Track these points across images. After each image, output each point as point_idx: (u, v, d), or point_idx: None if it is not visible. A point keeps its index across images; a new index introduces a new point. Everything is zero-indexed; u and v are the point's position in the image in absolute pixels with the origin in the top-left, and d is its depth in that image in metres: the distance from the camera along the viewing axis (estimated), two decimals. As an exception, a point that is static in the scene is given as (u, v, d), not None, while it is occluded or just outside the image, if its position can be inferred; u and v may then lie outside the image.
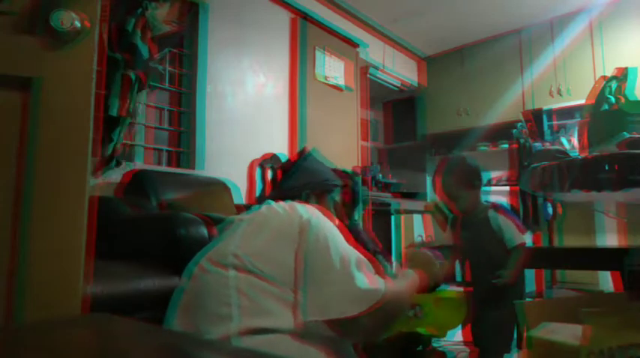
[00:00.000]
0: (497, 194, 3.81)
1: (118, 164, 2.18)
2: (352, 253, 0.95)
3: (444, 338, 2.06)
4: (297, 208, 0.98)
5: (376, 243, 1.53)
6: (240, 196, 2.77)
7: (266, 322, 0.80)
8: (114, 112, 2.05)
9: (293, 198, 1.09)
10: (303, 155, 1.27)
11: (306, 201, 1.14)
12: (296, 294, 0.86)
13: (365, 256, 0.97)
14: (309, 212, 0.97)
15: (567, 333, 1.03)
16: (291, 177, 1.20)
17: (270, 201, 1.06)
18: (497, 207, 1.84)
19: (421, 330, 1.24)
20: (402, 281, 1.05)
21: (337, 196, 1.26)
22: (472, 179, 1.87)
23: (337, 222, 1.04)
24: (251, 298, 0.83)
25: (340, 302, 0.87)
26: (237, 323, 0.80)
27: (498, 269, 1.69)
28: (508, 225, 1.77)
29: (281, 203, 1.03)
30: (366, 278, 0.91)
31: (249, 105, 3.07)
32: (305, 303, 0.86)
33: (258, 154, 2.99)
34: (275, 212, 0.98)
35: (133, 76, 2.12)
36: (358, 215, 1.47)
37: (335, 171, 1.32)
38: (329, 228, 0.97)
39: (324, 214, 1.01)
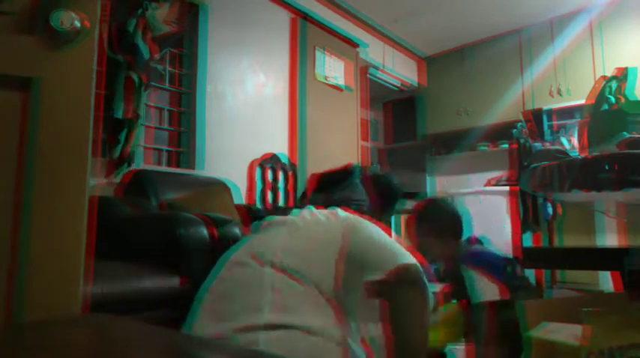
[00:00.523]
0: (498, 194, 3.81)
1: (130, 166, 2.19)
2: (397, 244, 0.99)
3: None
4: (339, 214, 1.03)
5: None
6: (240, 196, 2.77)
7: (290, 318, 0.83)
8: (119, 115, 2.06)
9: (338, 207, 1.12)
10: (352, 170, 1.30)
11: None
12: (335, 299, 0.89)
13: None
14: (350, 216, 1.02)
15: (567, 333, 1.03)
16: (342, 189, 1.23)
17: (310, 207, 1.10)
18: (470, 260, 1.54)
19: None
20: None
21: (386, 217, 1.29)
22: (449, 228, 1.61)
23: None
24: (282, 295, 0.87)
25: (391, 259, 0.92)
26: (265, 316, 0.83)
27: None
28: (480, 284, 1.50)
29: (323, 210, 1.06)
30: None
31: (249, 105, 3.07)
32: (355, 306, 0.90)
33: (258, 154, 2.99)
34: (317, 219, 1.02)
35: (136, 78, 2.12)
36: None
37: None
38: (372, 226, 1.01)
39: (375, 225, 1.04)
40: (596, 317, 0.96)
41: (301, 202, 1.26)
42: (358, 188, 1.25)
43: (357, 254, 0.93)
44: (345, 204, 1.16)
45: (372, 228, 1.00)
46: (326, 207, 1.09)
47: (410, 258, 0.95)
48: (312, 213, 1.05)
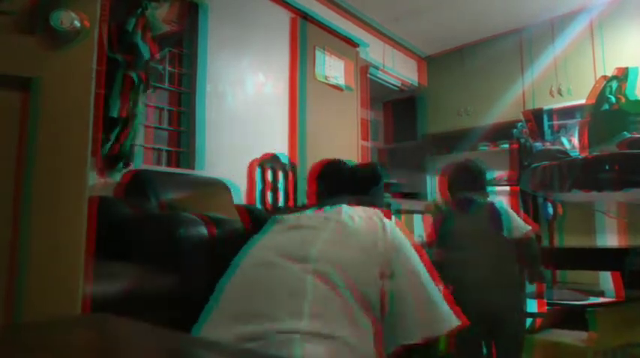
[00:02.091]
0: (498, 194, 3.81)
1: (126, 165, 2.19)
2: (426, 272, 0.96)
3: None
4: (381, 223, 0.97)
5: None
6: (240, 196, 2.77)
7: (332, 330, 0.80)
8: (114, 113, 2.05)
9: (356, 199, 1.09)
10: (377, 171, 1.27)
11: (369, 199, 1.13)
12: (376, 319, 0.86)
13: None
14: (392, 230, 0.97)
15: (572, 336, 1.02)
16: (371, 192, 1.19)
17: (344, 205, 1.04)
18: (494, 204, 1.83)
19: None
20: None
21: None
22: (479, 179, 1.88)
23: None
24: (324, 304, 0.83)
25: (446, 315, 0.89)
26: (308, 323, 0.80)
27: (501, 264, 1.64)
28: (513, 213, 1.74)
29: (362, 212, 1.01)
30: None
31: (249, 105, 3.06)
32: (393, 329, 0.87)
33: (258, 154, 2.99)
34: (359, 223, 0.97)
35: (135, 77, 2.12)
36: None
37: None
38: (409, 247, 0.97)
39: (402, 230, 1.01)
40: (600, 317, 0.95)
41: (319, 195, 1.19)
42: (380, 194, 1.24)
43: (399, 278, 0.90)
44: (372, 206, 1.11)
45: (409, 250, 0.96)
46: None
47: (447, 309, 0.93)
48: (353, 217, 0.98)
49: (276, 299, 0.85)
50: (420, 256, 0.98)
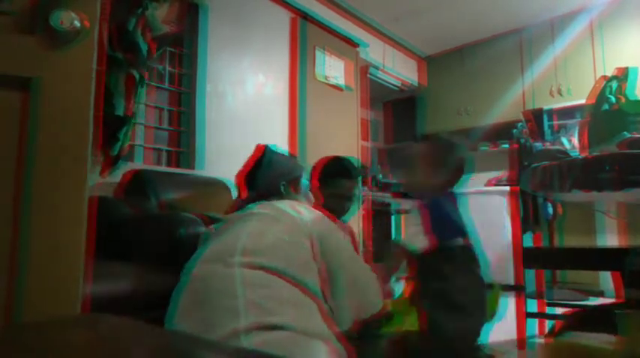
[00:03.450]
0: (498, 194, 3.81)
1: (126, 164, 2.18)
2: (355, 254, 1.02)
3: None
4: (300, 209, 1.01)
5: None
6: (241, 196, 2.76)
7: (273, 319, 0.79)
8: (120, 112, 2.05)
9: (273, 194, 1.14)
10: (262, 152, 1.32)
11: (285, 192, 1.21)
12: (320, 301, 0.88)
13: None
14: (316, 214, 1.01)
15: (598, 338, 1.01)
16: (262, 174, 1.24)
17: (261, 201, 1.08)
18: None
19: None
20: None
21: (306, 181, 1.36)
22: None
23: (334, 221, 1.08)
24: (259, 294, 0.83)
25: (373, 301, 0.96)
26: (246, 319, 0.79)
27: None
28: None
29: (279, 202, 1.05)
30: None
31: (249, 105, 3.06)
32: (342, 311, 0.91)
33: (258, 154, 2.98)
34: (279, 210, 1.00)
35: (137, 75, 2.12)
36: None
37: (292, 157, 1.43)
38: (334, 228, 1.01)
39: (325, 215, 1.04)
40: (631, 320, 0.94)
41: (242, 201, 1.23)
42: (275, 167, 1.29)
43: (329, 263, 0.93)
44: (274, 186, 1.20)
45: (336, 236, 1.01)
46: (265, 196, 1.10)
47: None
48: (271, 205, 1.02)
49: (216, 306, 0.84)
50: (351, 240, 1.05)
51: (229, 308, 0.82)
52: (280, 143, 3.23)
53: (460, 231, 1.11)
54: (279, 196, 1.18)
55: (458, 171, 1.22)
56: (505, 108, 4.26)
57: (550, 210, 3.39)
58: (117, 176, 2.19)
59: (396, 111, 5.37)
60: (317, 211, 1.05)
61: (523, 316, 1.93)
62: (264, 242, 0.92)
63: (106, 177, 2.14)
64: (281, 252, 0.90)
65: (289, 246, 0.91)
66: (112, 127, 2.09)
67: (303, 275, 0.88)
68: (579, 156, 1.57)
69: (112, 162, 2.14)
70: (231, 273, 0.86)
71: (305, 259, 0.91)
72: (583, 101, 2.22)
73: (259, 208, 1.04)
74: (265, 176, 1.23)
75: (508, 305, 1.95)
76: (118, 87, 2.06)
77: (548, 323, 2.03)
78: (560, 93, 3.96)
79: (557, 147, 3.25)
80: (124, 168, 2.21)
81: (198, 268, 0.95)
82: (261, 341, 0.76)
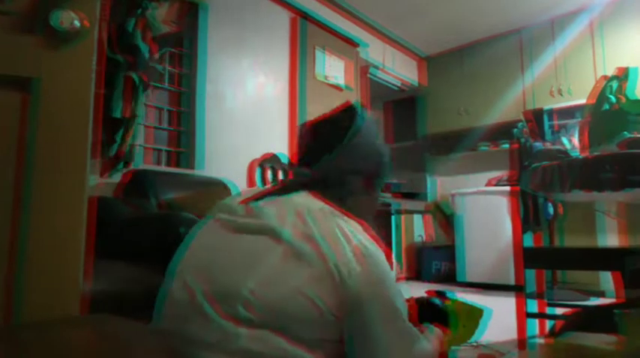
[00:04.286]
0: (498, 194, 3.81)
1: (126, 166, 2.19)
2: (402, 303, 0.72)
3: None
4: (347, 236, 0.68)
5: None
6: (241, 196, 2.76)
7: None
8: (117, 114, 2.05)
9: (329, 185, 0.77)
10: (347, 110, 0.86)
11: (351, 190, 0.81)
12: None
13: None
14: (361, 269, 0.66)
15: (597, 338, 1.01)
16: (329, 149, 0.81)
17: (302, 190, 0.74)
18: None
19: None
20: (430, 341, 0.82)
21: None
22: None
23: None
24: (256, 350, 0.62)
25: None
26: None
27: None
28: None
29: (322, 212, 0.70)
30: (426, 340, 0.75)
31: (249, 105, 3.06)
32: None
33: (258, 154, 2.99)
34: (312, 238, 0.66)
35: (136, 78, 2.12)
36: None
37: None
38: (383, 269, 0.69)
39: (373, 240, 0.71)
40: (629, 320, 0.94)
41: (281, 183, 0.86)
42: (359, 149, 0.85)
43: (362, 304, 0.66)
44: (340, 181, 0.79)
45: (380, 273, 0.68)
46: (316, 188, 0.75)
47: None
48: (297, 223, 0.68)
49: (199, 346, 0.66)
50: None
51: None
52: (280, 143, 3.24)
53: None
54: (338, 190, 0.80)
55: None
56: (505, 108, 4.25)
57: (551, 210, 3.39)
58: (117, 176, 2.20)
59: (396, 111, 5.37)
60: (373, 247, 0.69)
61: (523, 316, 1.92)
62: (278, 290, 0.65)
63: (106, 178, 2.14)
64: (294, 308, 0.64)
65: (306, 302, 0.64)
66: (109, 129, 2.09)
67: (310, 334, 0.65)
68: (580, 156, 1.56)
69: (111, 163, 2.14)
70: (231, 333, 0.64)
71: (322, 322, 0.65)
72: (583, 101, 2.22)
73: (285, 219, 0.70)
74: (333, 153, 0.80)
75: (508, 308, 1.95)
76: (116, 89, 2.07)
77: (548, 324, 2.03)
78: (560, 93, 3.96)
79: (558, 147, 3.25)
80: (124, 169, 2.22)
81: (173, 291, 0.71)
82: None
